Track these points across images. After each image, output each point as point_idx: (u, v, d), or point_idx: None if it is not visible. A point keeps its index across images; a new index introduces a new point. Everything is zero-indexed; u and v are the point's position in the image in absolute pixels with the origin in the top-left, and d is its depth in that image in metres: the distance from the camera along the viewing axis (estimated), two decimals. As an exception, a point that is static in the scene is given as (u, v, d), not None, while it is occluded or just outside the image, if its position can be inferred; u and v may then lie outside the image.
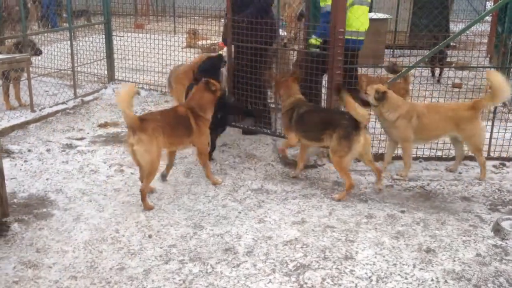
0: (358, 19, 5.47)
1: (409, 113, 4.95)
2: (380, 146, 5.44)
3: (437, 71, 9.11)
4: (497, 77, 4.83)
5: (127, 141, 4.28)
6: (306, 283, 3.30)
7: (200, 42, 11.85)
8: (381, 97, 4.91)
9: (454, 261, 3.58)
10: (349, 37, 5.33)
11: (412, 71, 6.05)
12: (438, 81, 8.92)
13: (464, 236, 3.94)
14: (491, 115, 5.51)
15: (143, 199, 4.30)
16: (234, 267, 3.48)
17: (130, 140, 4.20)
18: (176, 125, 4.52)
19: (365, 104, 5.13)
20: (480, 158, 5.10)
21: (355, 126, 4.44)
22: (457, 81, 7.84)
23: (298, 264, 3.51)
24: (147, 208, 4.30)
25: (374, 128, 5.39)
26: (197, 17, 10.15)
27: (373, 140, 5.46)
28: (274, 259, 3.57)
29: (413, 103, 5.20)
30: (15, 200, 4.44)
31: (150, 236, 3.88)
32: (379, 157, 5.36)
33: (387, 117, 4.98)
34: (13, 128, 6.26)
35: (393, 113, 4.95)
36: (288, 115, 4.98)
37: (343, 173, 4.61)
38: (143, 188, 4.31)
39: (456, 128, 5.02)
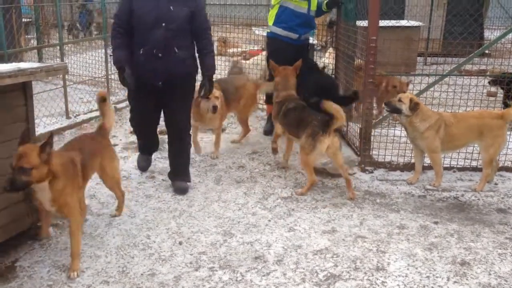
0: None
1: (437, 124, 4.89)
2: (412, 155, 5.34)
3: None
4: None
5: None
6: (336, 293, 3.27)
7: (230, 50, 11.95)
8: (414, 107, 4.85)
9: (490, 274, 3.48)
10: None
11: (447, 79, 5.95)
12: None
13: (500, 249, 3.83)
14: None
15: None
16: (264, 275, 3.47)
17: None
18: None
19: (394, 111, 5.05)
20: (486, 171, 4.94)
21: (324, 127, 4.57)
22: (492, 89, 7.67)
23: (329, 274, 3.47)
24: None
25: (405, 136, 5.31)
26: (228, 25, 10.23)
27: (404, 150, 5.43)
28: (304, 269, 3.54)
29: (441, 113, 5.11)
30: (50, 205, 4.54)
31: (180, 243, 3.90)
32: (411, 166, 5.28)
33: (417, 127, 4.91)
34: (49, 134, 6.42)
35: (423, 123, 4.89)
36: (279, 106, 5.28)
37: (307, 169, 4.85)
38: None
39: (479, 136, 4.90)
